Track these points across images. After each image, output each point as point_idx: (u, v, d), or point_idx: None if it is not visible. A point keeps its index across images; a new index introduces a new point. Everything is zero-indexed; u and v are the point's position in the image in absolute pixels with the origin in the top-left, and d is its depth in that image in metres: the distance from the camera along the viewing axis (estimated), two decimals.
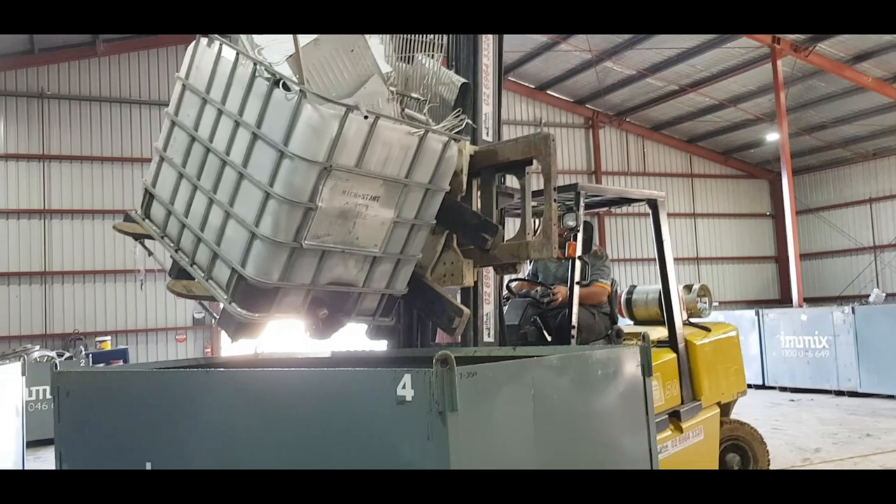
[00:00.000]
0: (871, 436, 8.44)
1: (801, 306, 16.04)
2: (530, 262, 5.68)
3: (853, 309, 11.92)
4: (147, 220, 3.76)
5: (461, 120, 3.45)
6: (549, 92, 22.53)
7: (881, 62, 18.08)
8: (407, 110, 3.52)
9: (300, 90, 2.88)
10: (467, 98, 3.72)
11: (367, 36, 3.40)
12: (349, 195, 3.10)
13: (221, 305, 3.37)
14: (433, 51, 3.81)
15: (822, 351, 12.13)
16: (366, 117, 2.91)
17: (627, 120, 23.47)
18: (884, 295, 19.70)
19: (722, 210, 24.93)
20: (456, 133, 3.36)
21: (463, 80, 3.71)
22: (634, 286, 6.30)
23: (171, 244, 3.62)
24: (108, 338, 15.92)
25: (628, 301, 6.21)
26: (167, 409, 2.74)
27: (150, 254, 3.79)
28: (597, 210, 23.94)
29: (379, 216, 3.26)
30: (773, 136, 20.26)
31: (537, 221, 3.90)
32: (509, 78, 21.75)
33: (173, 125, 3.60)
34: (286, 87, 2.96)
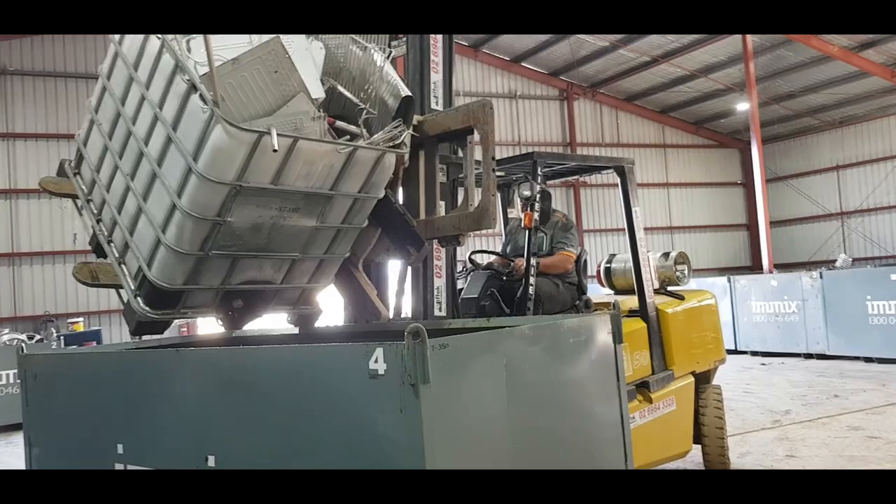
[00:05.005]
0: (838, 396, 8.63)
1: (771, 272, 16.28)
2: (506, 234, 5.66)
3: (821, 274, 12.13)
4: (77, 177, 3.47)
5: (400, 131, 3.22)
6: (523, 64, 22.43)
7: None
8: (339, 123, 3.22)
9: (211, 111, 2.63)
10: (410, 110, 3.44)
11: (305, 40, 3.12)
12: (264, 208, 2.89)
13: (126, 296, 3.13)
14: (387, 44, 3.54)
15: (792, 315, 12.35)
16: (275, 150, 2.65)
17: (601, 91, 23.48)
18: (850, 260, 20.05)
19: (694, 179, 25.13)
20: (392, 146, 3.13)
21: (407, 92, 3.40)
22: (614, 255, 6.17)
23: (95, 213, 3.34)
24: (81, 319, 15.70)
25: (607, 270, 6.09)
26: (138, 390, 2.69)
27: (81, 214, 3.49)
28: (571, 181, 23.74)
29: (298, 225, 3.04)
30: (743, 106, 20.39)
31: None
32: (483, 50, 21.61)
33: (105, 88, 3.24)
34: (203, 98, 2.70)
